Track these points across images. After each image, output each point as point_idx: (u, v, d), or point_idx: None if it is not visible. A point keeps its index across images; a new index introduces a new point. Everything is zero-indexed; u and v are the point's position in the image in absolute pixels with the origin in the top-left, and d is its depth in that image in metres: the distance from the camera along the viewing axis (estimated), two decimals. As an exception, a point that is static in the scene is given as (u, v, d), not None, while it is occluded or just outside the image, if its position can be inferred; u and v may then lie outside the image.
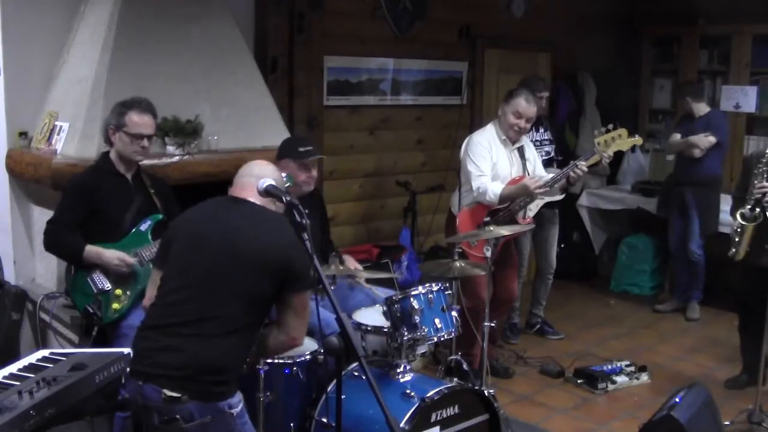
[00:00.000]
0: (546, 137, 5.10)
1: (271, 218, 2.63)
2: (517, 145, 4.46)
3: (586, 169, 4.29)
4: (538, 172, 4.50)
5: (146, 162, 3.65)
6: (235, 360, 2.53)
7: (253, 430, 2.63)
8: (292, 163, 3.71)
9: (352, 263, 3.88)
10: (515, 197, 4.28)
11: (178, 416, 2.40)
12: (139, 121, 3.44)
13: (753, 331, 4.13)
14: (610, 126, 4.41)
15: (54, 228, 3.45)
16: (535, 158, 4.59)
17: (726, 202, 5.35)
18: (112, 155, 3.52)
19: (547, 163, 5.05)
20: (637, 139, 4.91)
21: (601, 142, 4.36)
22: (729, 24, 6.44)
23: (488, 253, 3.86)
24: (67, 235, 3.42)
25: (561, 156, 5.15)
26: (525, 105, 4.31)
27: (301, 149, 3.74)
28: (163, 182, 3.72)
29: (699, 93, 5.84)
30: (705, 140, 5.58)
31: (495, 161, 4.34)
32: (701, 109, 5.76)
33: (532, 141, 5.01)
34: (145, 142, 3.47)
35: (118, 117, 3.45)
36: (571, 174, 4.27)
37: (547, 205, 5.07)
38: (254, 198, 2.62)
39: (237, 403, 2.51)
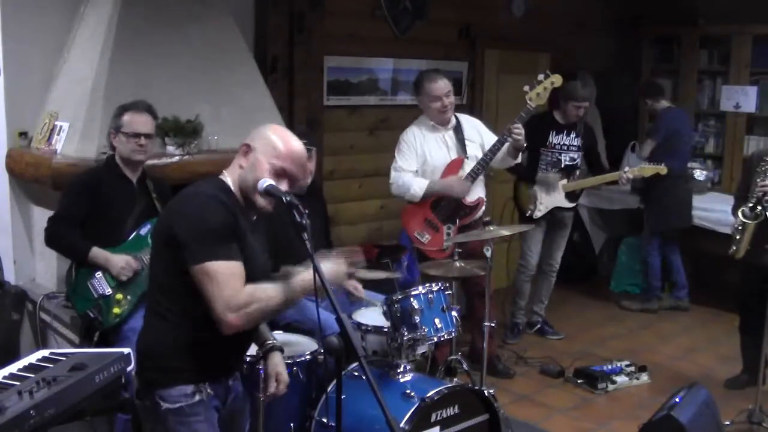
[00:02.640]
0: (575, 143, 5.07)
1: (186, 192, 2.36)
2: (451, 126, 4.40)
3: (519, 130, 4.19)
4: (488, 146, 4.38)
5: (146, 162, 3.65)
6: (159, 345, 2.33)
7: None
8: None
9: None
10: (442, 195, 4.30)
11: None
12: (135, 120, 3.45)
13: (753, 330, 4.13)
14: (541, 76, 4.30)
15: (57, 224, 3.46)
16: (482, 138, 4.43)
17: (726, 202, 5.36)
18: (117, 158, 3.54)
19: (570, 170, 5.05)
20: (662, 168, 4.91)
21: (533, 96, 4.28)
22: (729, 24, 6.44)
23: (488, 253, 3.86)
24: (71, 233, 3.43)
25: (584, 166, 5.14)
26: (435, 85, 4.27)
27: None
28: (166, 185, 3.71)
29: (655, 92, 5.86)
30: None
31: (422, 153, 4.33)
32: (661, 107, 5.84)
33: (559, 144, 4.99)
34: (143, 140, 3.47)
35: (116, 120, 3.48)
36: (509, 139, 4.22)
37: (563, 207, 5.10)
38: (227, 172, 2.39)
39: (175, 398, 2.31)
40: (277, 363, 2.67)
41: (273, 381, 2.65)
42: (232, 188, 2.37)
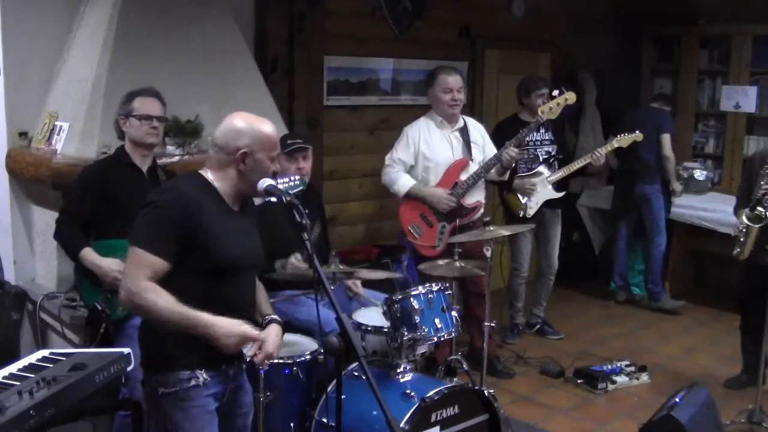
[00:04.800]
0: (547, 137, 5.10)
1: (160, 186, 2.65)
2: (458, 126, 4.45)
3: (516, 151, 4.33)
4: (488, 153, 4.47)
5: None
6: (155, 333, 2.42)
7: (196, 422, 2.42)
8: (282, 157, 3.73)
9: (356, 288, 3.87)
10: (423, 199, 4.34)
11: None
12: (146, 103, 3.44)
13: (754, 329, 4.13)
14: (556, 92, 4.38)
15: (64, 218, 3.43)
16: (485, 143, 4.52)
17: (726, 202, 5.37)
18: (127, 147, 3.49)
19: (548, 162, 5.06)
20: (637, 135, 4.94)
21: (545, 110, 4.38)
22: (729, 24, 6.45)
23: (488, 253, 3.86)
24: (72, 230, 3.39)
25: (562, 155, 5.16)
26: (449, 78, 4.37)
27: (288, 141, 3.76)
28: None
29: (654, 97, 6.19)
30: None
31: (423, 149, 4.37)
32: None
33: (532, 141, 5.02)
34: (155, 123, 3.45)
35: (125, 105, 3.45)
36: (504, 157, 4.32)
37: (549, 204, 5.09)
38: (210, 170, 2.51)
39: (170, 383, 2.40)
40: (268, 333, 2.63)
41: (255, 347, 2.60)
42: (215, 184, 2.47)
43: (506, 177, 4.71)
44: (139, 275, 2.32)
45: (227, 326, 2.35)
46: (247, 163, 2.44)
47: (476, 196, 4.44)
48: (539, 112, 4.39)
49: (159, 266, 2.34)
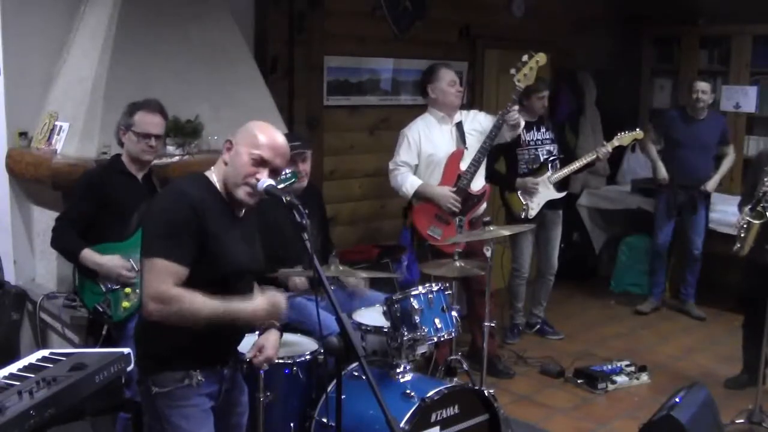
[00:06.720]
0: (548, 137, 5.11)
1: (164, 189, 2.64)
2: (456, 121, 4.50)
3: (512, 108, 4.32)
4: (486, 127, 4.47)
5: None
6: (149, 333, 2.43)
7: (191, 421, 2.42)
8: None
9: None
10: (431, 200, 4.36)
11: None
12: (147, 120, 3.44)
13: (756, 328, 4.13)
14: (525, 57, 4.35)
15: (60, 225, 3.45)
16: (482, 126, 4.51)
17: (727, 203, 5.37)
18: (124, 157, 3.52)
19: (551, 162, 5.06)
20: (638, 133, 4.94)
21: (520, 78, 4.35)
22: (729, 24, 6.45)
23: (488, 253, 3.86)
24: (69, 235, 3.41)
25: (562, 154, 5.16)
26: (451, 71, 4.50)
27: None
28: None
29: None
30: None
31: (424, 148, 4.40)
32: None
33: (533, 140, 5.02)
34: (153, 141, 3.46)
35: (127, 117, 3.46)
36: (509, 117, 4.30)
37: (550, 205, 5.09)
38: (214, 168, 2.47)
39: (164, 382, 2.39)
40: (268, 338, 2.66)
41: (255, 350, 2.65)
42: (217, 185, 2.43)
43: (520, 128, 4.54)
44: (167, 283, 2.26)
45: (265, 306, 2.40)
46: (230, 154, 2.41)
47: (481, 182, 4.49)
48: (515, 81, 4.36)
49: (182, 273, 2.29)
